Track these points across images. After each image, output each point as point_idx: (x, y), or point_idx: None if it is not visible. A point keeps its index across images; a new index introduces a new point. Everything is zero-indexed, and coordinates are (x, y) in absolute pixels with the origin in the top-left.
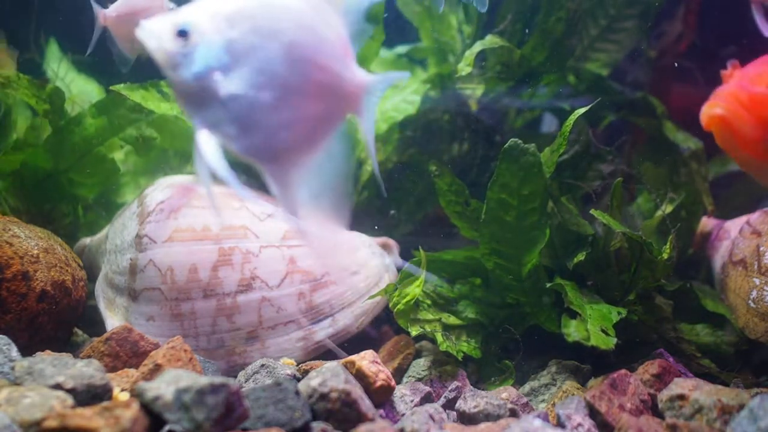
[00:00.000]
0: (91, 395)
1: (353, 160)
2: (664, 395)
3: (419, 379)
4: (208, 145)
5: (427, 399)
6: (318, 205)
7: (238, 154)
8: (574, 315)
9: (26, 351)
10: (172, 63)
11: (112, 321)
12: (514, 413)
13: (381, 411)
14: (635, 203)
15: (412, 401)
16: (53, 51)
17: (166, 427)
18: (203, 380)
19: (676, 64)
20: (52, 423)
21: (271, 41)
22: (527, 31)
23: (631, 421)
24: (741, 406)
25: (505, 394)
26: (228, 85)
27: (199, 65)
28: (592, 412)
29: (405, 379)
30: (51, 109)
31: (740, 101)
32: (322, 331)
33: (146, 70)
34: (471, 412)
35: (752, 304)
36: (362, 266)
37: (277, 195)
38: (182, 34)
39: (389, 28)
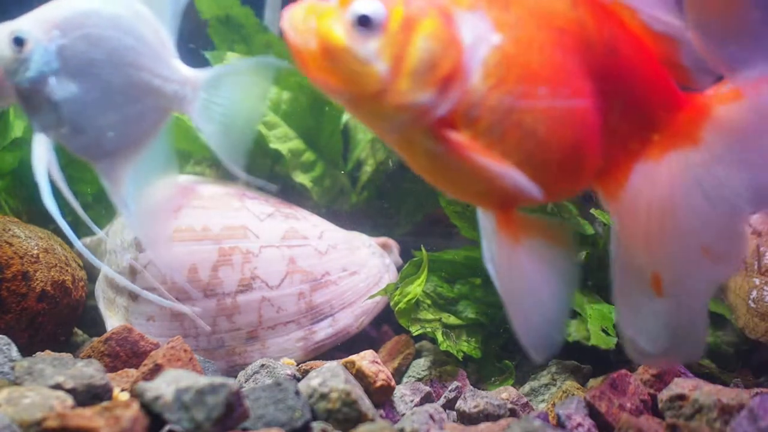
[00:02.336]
0: (91, 395)
1: (173, 155)
2: (664, 395)
3: (419, 379)
4: (39, 149)
5: (427, 399)
6: (145, 198)
7: (73, 153)
8: (574, 315)
9: (26, 351)
10: (9, 69)
11: (112, 321)
12: (514, 413)
13: (381, 411)
14: None
15: (412, 401)
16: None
17: (166, 427)
18: (203, 380)
19: None
20: (52, 423)
21: (98, 47)
22: None
23: (631, 421)
24: (741, 406)
25: (505, 394)
26: (60, 89)
27: (34, 71)
28: (592, 412)
29: (405, 379)
30: None
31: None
32: (322, 331)
33: None
34: (471, 412)
35: (752, 304)
36: (362, 266)
37: (108, 190)
38: (18, 41)
39: None
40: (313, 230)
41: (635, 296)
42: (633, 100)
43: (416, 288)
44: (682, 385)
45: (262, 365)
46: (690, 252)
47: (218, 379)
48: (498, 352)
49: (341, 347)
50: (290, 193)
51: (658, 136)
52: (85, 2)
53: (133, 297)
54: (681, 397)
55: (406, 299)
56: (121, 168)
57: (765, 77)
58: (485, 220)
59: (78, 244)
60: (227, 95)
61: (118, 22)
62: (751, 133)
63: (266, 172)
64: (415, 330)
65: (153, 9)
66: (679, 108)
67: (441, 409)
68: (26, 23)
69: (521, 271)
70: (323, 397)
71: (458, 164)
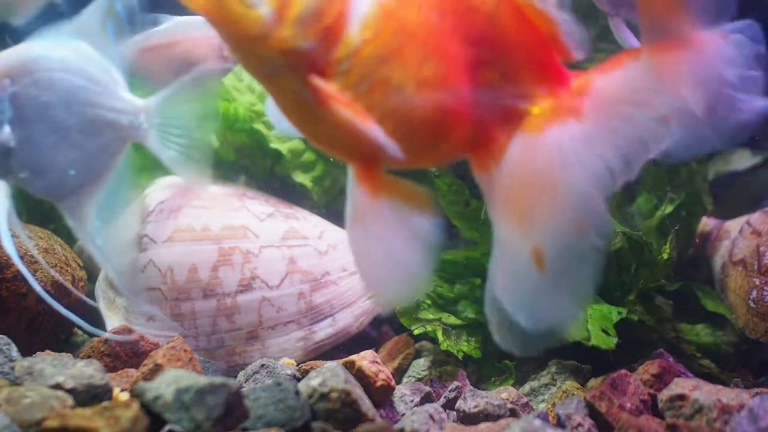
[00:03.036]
0: (91, 395)
1: (139, 187)
2: (664, 395)
3: (419, 379)
4: None
5: (427, 399)
6: (111, 231)
7: (35, 194)
8: None
9: (26, 351)
10: None
11: (112, 321)
12: (514, 413)
13: (381, 411)
14: (635, 203)
15: (412, 401)
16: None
17: (166, 427)
18: (203, 380)
19: None
20: (52, 423)
21: (50, 90)
22: None
23: (631, 421)
24: (741, 406)
25: (505, 394)
26: (16, 135)
27: None
28: (592, 412)
29: (405, 379)
30: None
31: None
32: (322, 331)
33: None
34: (471, 412)
35: (752, 304)
36: None
37: (74, 227)
38: None
39: None
40: (313, 230)
41: (516, 271)
42: (513, 71)
43: None
44: (682, 385)
45: (262, 365)
46: (570, 226)
47: (218, 379)
48: (498, 352)
49: (341, 347)
50: (290, 193)
51: (539, 110)
52: (33, 48)
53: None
54: (681, 397)
55: None
56: (85, 204)
57: (649, 46)
58: (351, 174)
59: (36, 285)
60: (180, 114)
61: (67, 64)
62: (621, 104)
63: (266, 172)
64: (416, 330)
65: (98, 49)
66: (561, 82)
67: (441, 409)
68: None
69: (374, 227)
70: (323, 397)
71: (324, 114)
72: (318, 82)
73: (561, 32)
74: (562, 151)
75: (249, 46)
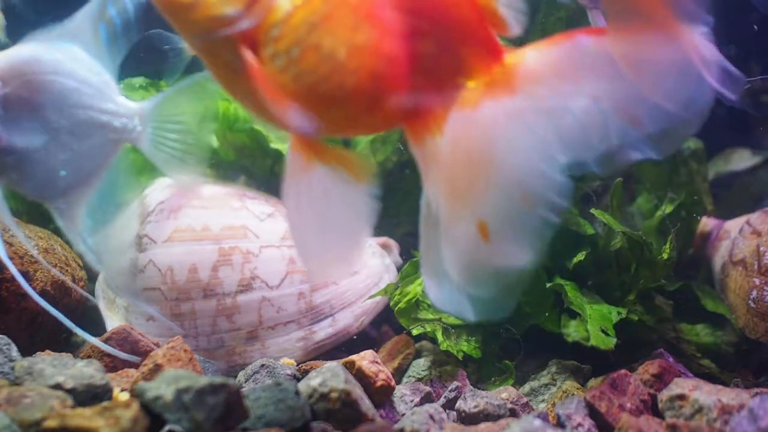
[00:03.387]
0: (91, 395)
1: (134, 188)
2: (664, 395)
3: (419, 379)
4: None
5: (427, 399)
6: (107, 232)
7: (25, 195)
8: (574, 315)
9: (26, 351)
10: None
11: (112, 321)
12: (514, 413)
13: (381, 411)
14: (635, 203)
15: (412, 401)
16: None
17: (166, 427)
18: (203, 380)
19: None
20: (52, 423)
21: (41, 93)
22: (527, 30)
23: (631, 421)
24: (741, 406)
25: (505, 394)
26: (7, 137)
27: None
28: (592, 412)
29: (405, 379)
30: None
31: None
32: (322, 331)
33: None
34: (471, 412)
35: (752, 304)
36: (362, 266)
37: (63, 227)
38: None
39: None
40: None
41: (459, 242)
42: (447, 43)
43: (416, 287)
44: (682, 385)
45: (262, 365)
46: (510, 200)
47: (218, 379)
48: (498, 352)
49: (341, 347)
50: None
51: (475, 84)
52: (24, 51)
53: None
54: (681, 397)
55: (406, 299)
56: (76, 205)
57: (611, 28)
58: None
59: (27, 286)
60: (176, 117)
61: (59, 66)
62: (553, 82)
63: (266, 172)
64: (416, 330)
65: (90, 52)
66: (496, 56)
67: (441, 409)
68: None
69: (308, 194)
70: (323, 397)
71: (255, 84)
72: (245, 52)
73: (498, 5)
74: (496, 127)
75: (180, 14)
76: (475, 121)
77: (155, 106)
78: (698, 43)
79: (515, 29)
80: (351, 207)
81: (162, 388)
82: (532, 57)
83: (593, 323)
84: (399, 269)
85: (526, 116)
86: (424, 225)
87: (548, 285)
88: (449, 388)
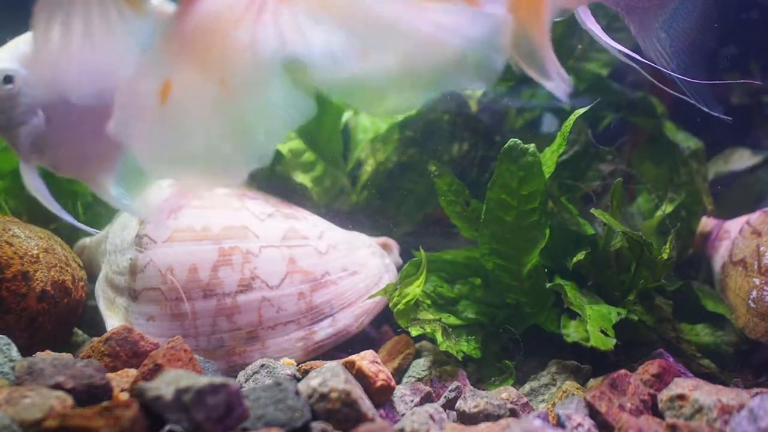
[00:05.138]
0: (91, 395)
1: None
2: (664, 395)
3: (419, 379)
4: (30, 178)
5: (427, 399)
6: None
7: (62, 174)
8: (573, 315)
9: (26, 351)
10: (1, 108)
11: (112, 321)
12: (514, 413)
13: (381, 411)
14: (635, 203)
15: (412, 401)
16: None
17: (166, 427)
18: (203, 380)
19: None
20: (52, 423)
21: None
22: None
23: (631, 421)
24: (741, 406)
25: (505, 394)
26: (47, 119)
27: (24, 105)
28: (592, 412)
29: (405, 379)
30: None
31: None
32: (322, 331)
33: None
34: (471, 412)
35: (752, 304)
36: (362, 266)
37: (101, 195)
38: (8, 80)
39: None
40: (313, 230)
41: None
42: None
43: (415, 289)
44: (682, 385)
45: (262, 365)
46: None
47: (218, 379)
48: (498, 352)
49: (341, 347)
50: (290, 193)
51: None
52: None
53: (134, 297)
54: (681, 397)
55: (405, 300)
56: (108, 174)
57: None
58: None
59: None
60: None
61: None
62: None
63: (266, 172)
64: (415, 331)
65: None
66: None
67: (441, 409)
68: (7, 59)
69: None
70: (323, 397)
71: None
72: None
73: None
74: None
75: None
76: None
77: None
78: None
79: None
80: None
81: (162, 388)
82: None
83: (593, 323)
84: (399, 269)
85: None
86: None
87: (548, 285)
88: (449, 388)
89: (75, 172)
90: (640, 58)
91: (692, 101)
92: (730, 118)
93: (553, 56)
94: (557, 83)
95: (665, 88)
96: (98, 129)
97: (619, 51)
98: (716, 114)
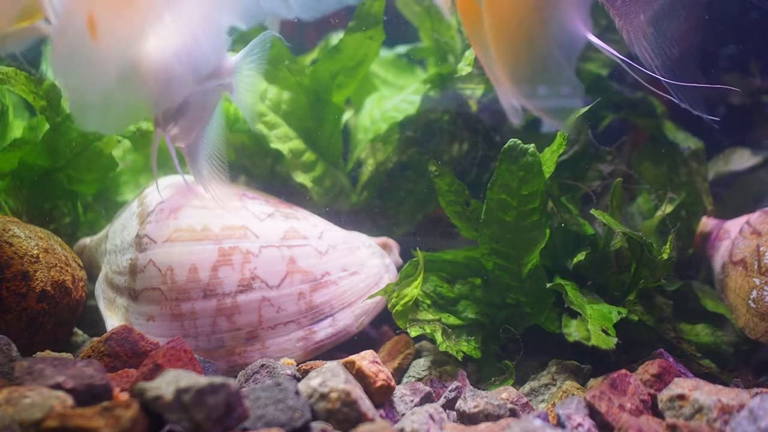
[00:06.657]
0: (91, 395)
1: (225, 126)
2: (664, 395)
3: (419, 379)
4: (156, 144)
5: (427, 399)
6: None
7: (179, 145)
8: (574, 315)
9: (26, 351)
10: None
11: (112, 321)
12: (514, 413)
13: (381, 411)
14: (635, 203)
15: (412, 401)
16: (50, 48)
17: (166, 427)
18: (203, 380)
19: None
20: (52, 423)
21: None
22: None
23: (631, 421)
24: (741, 406)
25: (505, 394)
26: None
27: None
28: (592, 412)
29: (405, 379)
30: (48, 106)
31: None
32: (322, 331)
33: None
34: (471, 412)
35: (752, 304)
36: (362, 266)
37: (190, 165)
38: None
39: (389, 28)
40: (313, 230)
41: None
42: None
43: (413, 290)
44: (682, 385)
45: (262, 365)
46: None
47: (218, 379)
48: (498, 352)
49: (341, 347)
50: (290, 193)
51: None
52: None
53: (133, 297)
54: (681, 397)
55: (403, 301)
56: (200, 145)
57: None
58: None
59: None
60: (246, 73)
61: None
62: None
63: (266, 172)
64: (414, 331)
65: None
66: None
67: (441, 409)
68: None
69: None
70: (323, 397)
71: None
72: None
73: None
74: None
75: None
76: None
77: (240, 63)
78: None
79: None
80: None
81: (162, 388)
82: None
83: (594, 323)
84: (399, 269)
85: None
86: None
87: (548, 285)
88: (449, 389)
89: (183, 141)
90: (629, 60)
91: (676, 100)
92: (718, 119)
93: (505, 89)
94: (509, 112)
95: (652, 88)
96: (207, 107)
97: (605, 48)
98: (701, 115)
